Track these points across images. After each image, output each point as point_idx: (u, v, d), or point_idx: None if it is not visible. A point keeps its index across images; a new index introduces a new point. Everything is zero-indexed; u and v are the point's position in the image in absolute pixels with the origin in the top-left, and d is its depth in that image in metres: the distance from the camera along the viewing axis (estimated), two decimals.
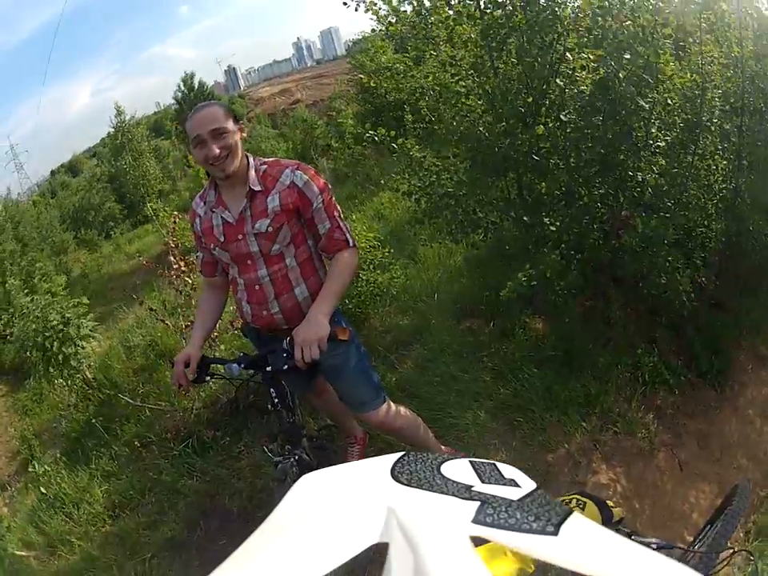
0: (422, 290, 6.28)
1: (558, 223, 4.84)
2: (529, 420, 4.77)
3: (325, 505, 0.88)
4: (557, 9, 4.46)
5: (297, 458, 3.16)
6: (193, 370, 3.09)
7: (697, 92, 5.02)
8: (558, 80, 4.57)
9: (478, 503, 0.81)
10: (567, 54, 4.54)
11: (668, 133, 5.03)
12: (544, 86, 4.62)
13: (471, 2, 4.71)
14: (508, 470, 1.03)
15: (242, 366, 3.09)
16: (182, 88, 46.92)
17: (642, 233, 4.66)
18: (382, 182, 11.55)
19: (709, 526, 2.66)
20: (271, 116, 46.63)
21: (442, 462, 1.00)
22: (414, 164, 5.22)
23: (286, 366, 2.88)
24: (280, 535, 0.81)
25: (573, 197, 4.96)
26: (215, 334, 5.99)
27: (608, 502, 1.40)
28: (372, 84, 12.86)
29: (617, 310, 5.67)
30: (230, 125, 2.87)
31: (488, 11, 4.57)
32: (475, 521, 0.77)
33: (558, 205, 5.03)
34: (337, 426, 4.47)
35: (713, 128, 5.33)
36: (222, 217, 3.04)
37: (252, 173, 2.97)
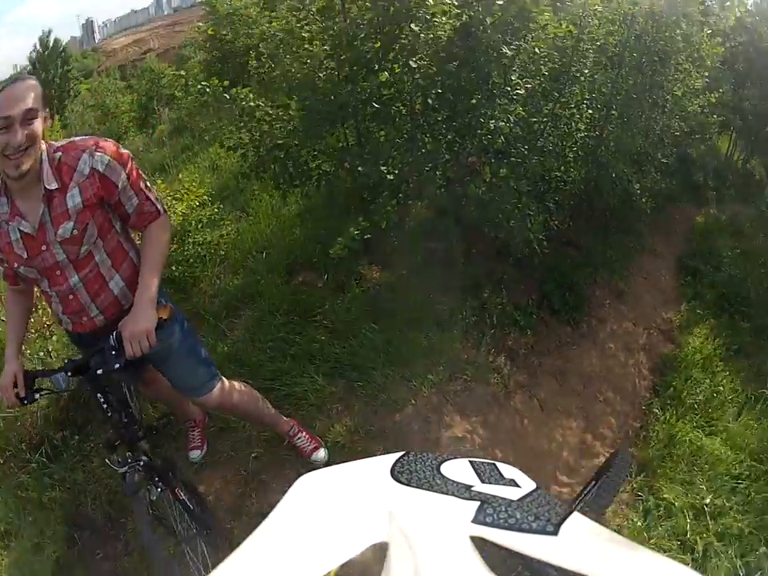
0: (254, 246, 6.16)
1: (396, 171, 4.80)
2: (370, 379, 4.67)
3: (325, 505, 0.94)
4: None
5: (141, 464, 2.94)
6: (23, 387, 2.81)
7: (569, 42, 5.21)
8: (413, 25, 4.51)
9: (478, 503, 0.87)
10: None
11: (530, 81, 5.13)
12: (396, 31, 4.64)
13: None
14: (508, 470, 1.09)
15: (69, 373, 2.82)
16: (38, 47, 43.82)
17: (490, 182, 4.81)
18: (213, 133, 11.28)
19: (593, 483, 2.70)
20: (122, 68, 45.22)
21: (442, 462, 1.06)
22: (245, 115, 5.03)
23: (117, 365, 2.66)
24: (280, 535, 0.86)
25: (416, 143, 4.95)
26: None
27: None
28: (220, 32, 12.49)
29: (460, 252, 5.73)
30: (41, 110, 2.43)
31: None
32: (475, 521, 0.82)
33: (398, 152, 4.99)
34: (176, 414, 4.33)
35: (582, 78, 5.56)
36: (19, 229, 2.60)
37: (46, 167, 2.55)
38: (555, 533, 0.79)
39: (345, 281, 5.55)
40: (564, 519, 0.83)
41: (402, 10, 4.46)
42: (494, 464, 1.10)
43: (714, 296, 8.54)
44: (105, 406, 2.83)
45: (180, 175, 7.27)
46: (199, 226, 6.02)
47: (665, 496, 4.99)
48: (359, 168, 4.87)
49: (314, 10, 4.77)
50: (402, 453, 1.11)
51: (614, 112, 5.97)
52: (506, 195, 4.85)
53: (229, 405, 3.35)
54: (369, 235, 4.66)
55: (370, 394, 4.61)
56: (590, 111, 5.90)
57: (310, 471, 3.64)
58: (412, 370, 4.83)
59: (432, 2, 4.49)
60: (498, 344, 5.54)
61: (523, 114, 4.98)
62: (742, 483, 5.46)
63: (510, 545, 0.77)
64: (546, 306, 6.32)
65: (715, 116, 10.37)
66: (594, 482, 2.68)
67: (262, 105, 4.98)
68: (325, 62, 4.84)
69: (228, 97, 4.87)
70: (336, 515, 0.87)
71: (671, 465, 5.31)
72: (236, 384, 3.44)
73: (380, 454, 1.40)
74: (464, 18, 4.54)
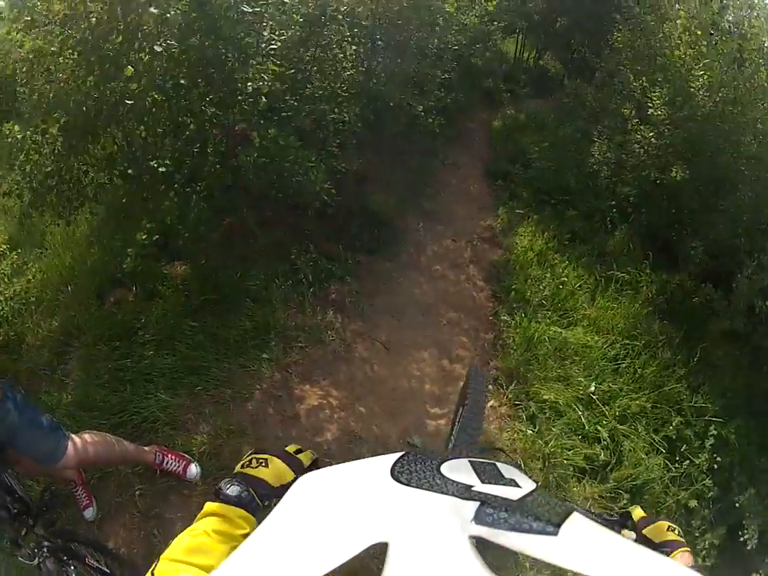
0: (60, 281, 5.73)
1: (167, 162, 4.68)
2: (210, 379, 4.59)
3: (325, 505, 0.91)
4: None
5: (46, 550, 2.91)
6: None
7: None
8: (152, 8, 4.26)
9: (478, 503, 0.84)
10: None
11: (284, 32, 5.00)
12: (135, 19, 4.36)
13: None
14: (508, 470, 1.05)
15: None
16: None
17: (261, 145, 4.67)
18: None
19: (461, 407, 2.65)
20: None
21: (442, 462, 1.01)
22: (16, 151, 4.81)
23: None
24: (280, 535, 0.84)
25: (179, 128, 4.84)
26: None
27: (289, 447, 1.37)
28: None
29: (254, 223, 5.63)
30: None
31: None
32: (475, 521, 0.79)
33: (164, 142, 4.89)
34: (53, 482, 4.20)
35: (340, 16, 5.46)
36: None
37: None
38: (555, 533, 0.78)
39: (153, 287, 5.32)
40: (564, 519, 0.83)
41: None
42: (494, 464, 1.09)
43: (530, 193, 8.75)
44: None
45: None
46: (5, 280, 5.75)
47: (545, 397, 5.09)
48: (129, 171, 4.72)
49: (58, 21, 4.49)
50: (402, 453, 1.06)
51: (379, 42, 5.94)
52: (280, 154, 4.76)
53: (88, 460, 3.26)
54: (157, 236, 4.57)
55: (216, 394, 4.50)
56: (354, 47, 5.87)
57: (190, 490, 3.34)
58: (246, 355, 4.75)
59: None
60: (323, 301, 5.52)
61: (276, 69, 4.81)
62: (623, 363, 5.70)
63: (510, 545, 0.77)
64: (359, 249, 6.33)
65: (495, 23, 10.65)
66: (460, 407, 2.67)
67: (29, 134, 4.72)
68: (75, 72, 4.53)
69: None
70: (335, 515, 0.86)
71: (539, 366, 5.43)
72: (86, 436, 3.31)
73: (248, 450, 1.38)
74: None
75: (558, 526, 0.79)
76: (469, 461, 1.08)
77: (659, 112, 7.24)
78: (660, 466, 4.91)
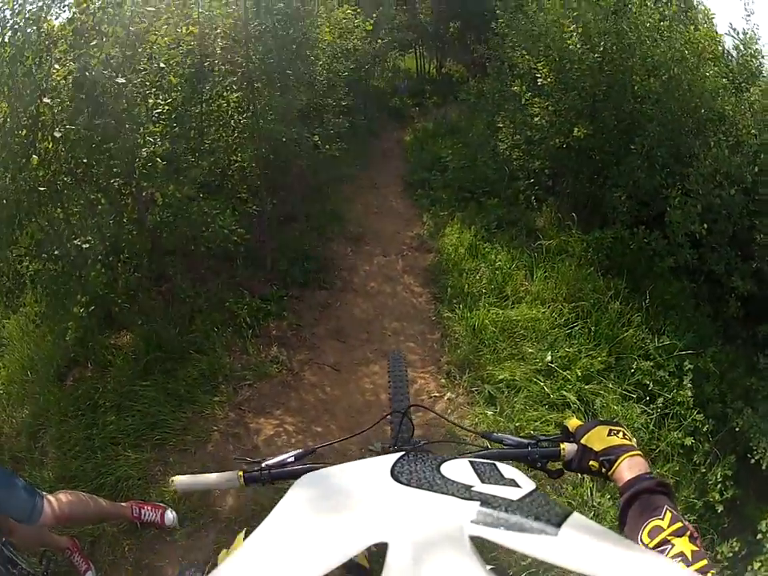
0: (22, 372, 5.86)
1: (89, 238, 4.88)
2: (170, 431, 4.79)
3: (325, 505, 0.96)
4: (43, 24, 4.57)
5: None
6: None
7: (195, 44, 5.59)
8: (45, 99, 4.54)
9: (478, 503, 0.87)
10: (56, 65, 4.65)
11: (167, 96, 5.32)
12: (33, 111, 4.65)
13: None
14: (508, 470, 1.10)
15: None
16: None
17: (164, 203, 4.98)
18: None
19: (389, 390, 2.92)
20: None
21: (442, 462, 1.07)
22: None
23: None
24: (280, 534, 0.87)
25: (93, 204, 5.16)
26: None
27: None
28: None
29: (186, 283, 5.87)
30: None
31: None
32: (475, 521, 0.82)
33: (83, 222, 5.17)
34: (48, 549, 4.35)
35: (216, 69, 5.86)
36: None
37: None
38: (555, 533, 0.81)
39: (104, 358, 5.50)
40: (564, 519, 0.85)
41: (33, 86, 4.53)
42: (494, 464, 1.13)
43: (450, 194, 9.11)
44: None
45: None
46: None
47: (500, 378, 5.22)
48: (56, 252, 4.95)
49: None
50: (402, 453, 1.13)
51: (256, 84, 6.15)
52: (183, 208, 5.09)
53: (65, 515, 3.42)
54: (93, 307, 4.85)
55: (177, 443, 4.71)
56: (236, 94, 6.18)
57: (171, 536, 3.56)
58: (199, 402, 4.97)
59: (56, 70, 4.66)
60: (264, 339, 5.73)
61: (157, 130, 5.11)
62: (575, 326, 5.88)
63: (510, 545, 0.78)
64: (291, 284, 6.57)
65: (380, 40, 10.93)
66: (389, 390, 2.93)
67: None
68: None
69: None
70: (335, 515, 0.88)
71: (488, 350, 5.59)
72: (60, 495, 3.50)
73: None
74: (74, 70, 4.64)
75: (558, 525, 0.82)
76: (469, 461, 1.13)
77: (548, 80, 7.57)
78: (638, 413, 5.00)
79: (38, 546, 4.00)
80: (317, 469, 1.51)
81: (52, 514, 3.32)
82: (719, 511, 4.36)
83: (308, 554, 0.78)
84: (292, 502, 0.99)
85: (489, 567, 0.73)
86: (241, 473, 1.73)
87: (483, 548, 0.79)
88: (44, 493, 3.39)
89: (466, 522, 0.82)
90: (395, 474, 1.00)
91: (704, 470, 4.70)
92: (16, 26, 4.48)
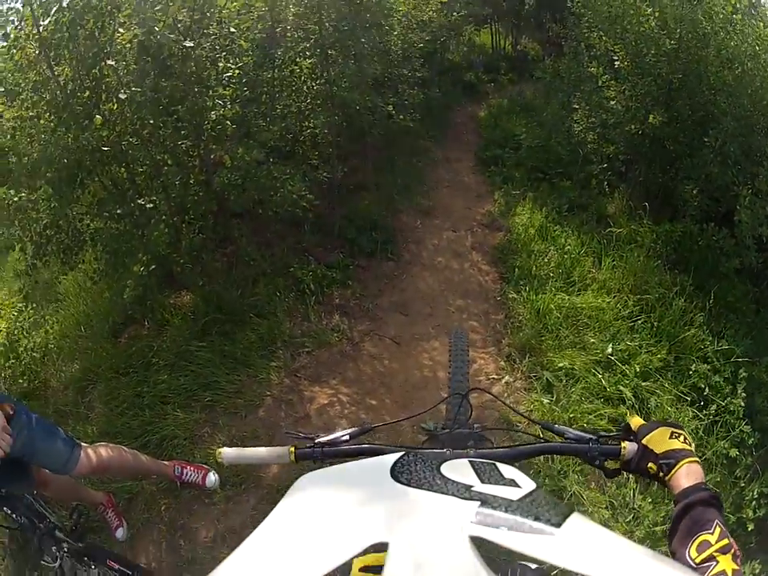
0: (76, 326, 6.10)
1: (153, 198, 5.00)
2: (222, 393, 4.83)
3: (325, 505, 0.95)
4: None
5: (66, 551, 3.18)
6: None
7: (266, 9, 5.59)
8: (109, 61, 4.65)
9: (478, 503, 0.86)
10: (120, 29, 4.67)
11: (238, 60, 5.32)
12: (97, 74, 4.75)
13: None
14: (508, 470, 1.09)
15: None
16: None
17: (233, 165, 4.95)
18: None
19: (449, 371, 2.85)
20: None
21: (442, 462, 1.07)
22: (12, 211, 5.06)
23: None
24: (279, 534, 0.87)
25: (158, 165, 5.15)
26: None
27: None
28: None
29: (248, 244, 5.95)
30: None
31: (43, 23, 4.50)
32: (475, 521, 0.81)
33: (148, 182, 5.23)
34: (82, 503, 4.40)
35: (288, 35, 5.85)
36: None
37: None
38: (555, 533, 0.80)
39: (162, 317, 5.60)
40: (564, 519, 0.85)
41: (92, 50, 4.59)
42: (494, 464, 1.12)
43: (523, 173, 8.98)
44: (14, 515, 3.09)
45: None
46: (24, 333, 6.03)
47: (560, 365, 5.13)
48: (119, 211, 5.00)
49: (28, 88, 4.81)
50: (402, 452, 1.12)
51: (331, 51, 6.12)
52: (252, 171, 5.07)
53: (103, 465, 3.43)
54: (153, 266, 4.86)
55: (228, 405, 4.74)
56: (309, 60, 6.17)
57: (210, 498, 3.86)
58: (255, 366, 5.00)
59: (120, 34, 4.66)
60: (327, 307, 5.75)
61: (227, 93, 5.15)
62: (638, 320, 5.74)
63: (510, 545, 0.77)
64: (358, 253, 6.58)
65: (455, 13, 10.66)
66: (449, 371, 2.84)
67: (25, 195, 5.02)
68: (54, 130, 4.84)
69: None
70: (335, 515, 0.88)
71: (551, 336, 5.50)
72: (100, 446, 3.52)
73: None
74: (139, 34, 4.63)
75: (558, 525, 0.82)
76: (469, 461, 1.12)
77: (625, 63, 7.41)
78: (690, 418, 4.86)
79: (72, 500, 4.08)
80: (372, 450, 1.58)
81: (88, 464, 3.34)
82: (749, 529, 4.23)
83: (308, 554, 0.78)
84: (292, 502, 0.98)
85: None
86: (292, 449, 1.66)
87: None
88: (84, 444, 3.41)
89: (466, 522, 0.81)
90: (395, 474, 0.98)
91: (742, 485, 4.55)
92: None
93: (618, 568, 0.75)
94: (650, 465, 1.44)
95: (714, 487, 4.32)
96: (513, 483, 1.00)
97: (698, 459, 1.40)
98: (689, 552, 1.13)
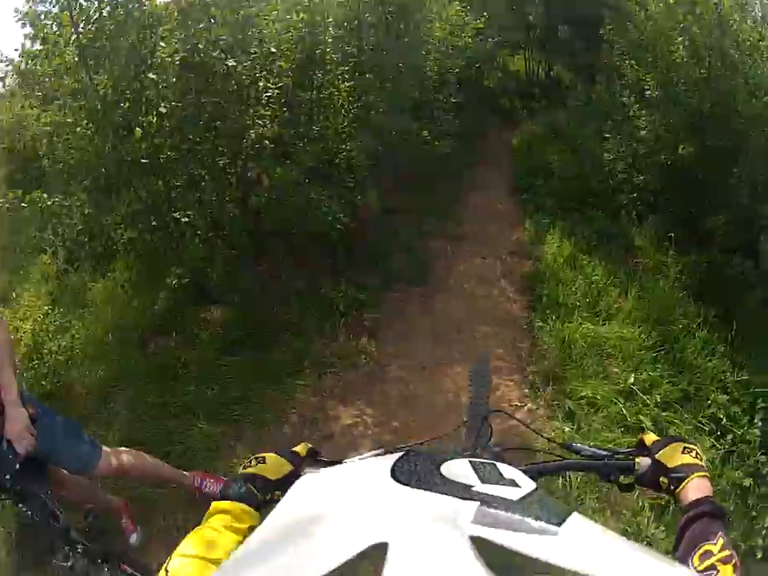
0: (103, 333, 6.06)
1: (189, 212, 5.09)
2: (248, 406, 4.91)
3: (325, 504, 0.96)
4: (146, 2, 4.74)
5: (79, 551, 3.13)
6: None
7: (306, 31, 5.63)
8: (150, 75, 4.73)
9: (478, 503, 0.86)
10: (161, 43, 4.80)
11: (277, 80, 5.40)
12: (137, 86, 4.83)
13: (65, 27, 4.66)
14: (508, 470, 1.10)
15: None
16: None
17: (269, 185, 5.07)
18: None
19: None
20: None
21: (442, 462, 1.07)
22: (46, 215, 5.19)
23: (18, 466, 2.87)
24: (280, 535, 0.88)
25: (195, 181, 5.27)
26: None
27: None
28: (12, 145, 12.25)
29: (282, 261, 6.08)
30: None
31: (83, 30, 4.61)
32: (475, 521, 0.81)
33: (184, 196, 5.30)
34: (96, 508, 4.43)
35: (327, 57, 5.91)
36: None
37: None
38: (555, 533, 0.80)
39: (192, 331, 5.68)
40: (564, 519, 0.84)
41: (133, 63, 4.70)
42: (494, 464, 1.12)
43: (554, 202, 8.99)
44: (29, 513, 3.04)
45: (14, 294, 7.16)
46: (49, 336, 6.06)
47: (582, 394, 5.13)
48: (154, 223, 5.10)
49: (66, 94, 4.89)
50: (402, 452, 1.12)
51: (369, 75, 6.26)
52: (288, 191, 5.19)
53: (123, 468, 3.52)
54: (186, 279, 5.01)
55: (254, 420, 4.81)
56: (346, 84, 6.19)
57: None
58: (283, 383, 5.09)
59: (161, 48, 4.78)
60: (356, 328, 5.81)
61: (266, 113, 5.27)
62: (661, 350, 5.72)
63: (510, 545, 0.76)
64: (388, 276, 6.65)
65: (491, 39, 10.84)
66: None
67: (59, 200, 5.08)
68: (94, 138, 4.93)
69: (25, 205, 4.92)
70: (335, 515, 0.88)
71: (575, 365, 5.50)
72: (121, 450, 3.62)
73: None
74: (180, 49, 4.77)
75: (558, 525, 0.82)
76: (469, 461, 1.11)
77: (656, 92, 7.45)
78: (708, 447, 4.79)
79: (89, 503, 4.10)
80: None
81: (108, 466, 3.41)
82: (758, 557, 4.22)
83: (308, 553, 0.78)
84: (292, 502, 1.00)
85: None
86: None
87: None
88: (104, 446, 3.47)
89: (466, 522, 0.81)
90: (395, 474, 0.99)
91: (754, 514, 4.47)
92: (115, 1, 4.62)
93: (618, 568, 0.76)
94: (661, 479, 1.49)
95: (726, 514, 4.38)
96: (513, 483, 1.01)
97: (707, 474, 1.46)
98: (692, 561, 1.17)
